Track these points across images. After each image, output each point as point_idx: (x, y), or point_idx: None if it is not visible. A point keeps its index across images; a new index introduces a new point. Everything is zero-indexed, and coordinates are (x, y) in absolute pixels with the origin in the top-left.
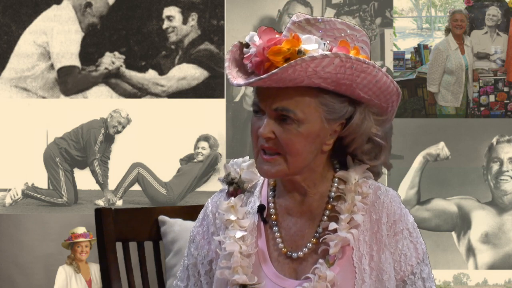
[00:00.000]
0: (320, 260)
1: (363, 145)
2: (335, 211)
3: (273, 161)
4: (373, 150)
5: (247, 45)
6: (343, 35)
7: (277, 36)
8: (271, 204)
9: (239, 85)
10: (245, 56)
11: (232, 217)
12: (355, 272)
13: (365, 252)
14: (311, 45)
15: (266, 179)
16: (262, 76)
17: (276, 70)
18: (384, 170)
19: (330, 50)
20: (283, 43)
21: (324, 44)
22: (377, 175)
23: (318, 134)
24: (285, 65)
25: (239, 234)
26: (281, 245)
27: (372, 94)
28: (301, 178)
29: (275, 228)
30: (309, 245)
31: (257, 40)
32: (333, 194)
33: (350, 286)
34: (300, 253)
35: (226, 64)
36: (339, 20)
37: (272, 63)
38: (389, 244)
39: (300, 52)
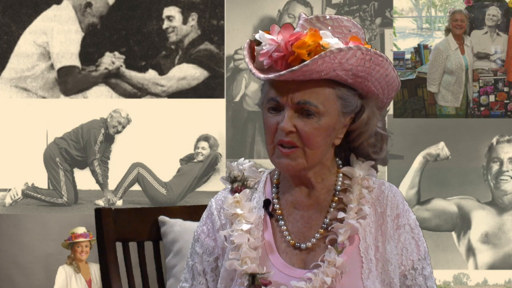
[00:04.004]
0: (329, 247)
1: (369, 138)
2: (342, 203)
3: (292, 154)
4: (378, 142)
5: (258, 43)
6: (350, 31)
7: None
8: (275, 200)
9: (268, 78)
10: (260, 53)
11: (238, 211)
12: (362, 261)
13: (371, 243)
14: (331, 39)
15: (268, 177)
16: (294, 68)
17: (307, 61)
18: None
19: (345, 45)
20: (306, 37)
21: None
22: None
23: (334, 127)
24: (316, 56)
25: (245, 226)
26: (288, 237)
27: (380, 88)
28: (312, 173)
29: (282, 222)
30: (317, 235)
31: (271, 37)
32: (339, 187)
33: (357, 275)
34: (309, 244)
35: (246, 59)
36: (345, 17)
37: (295, 57)
38: (393, 236)
39: (322, 46)
